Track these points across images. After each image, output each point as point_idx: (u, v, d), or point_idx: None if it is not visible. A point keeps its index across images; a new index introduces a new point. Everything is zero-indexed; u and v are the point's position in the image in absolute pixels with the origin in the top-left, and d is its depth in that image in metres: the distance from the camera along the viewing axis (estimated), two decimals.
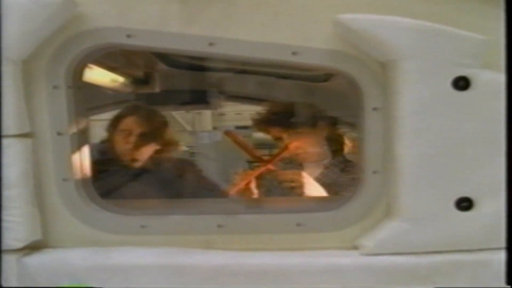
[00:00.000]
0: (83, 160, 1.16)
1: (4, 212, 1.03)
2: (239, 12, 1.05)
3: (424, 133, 0.98)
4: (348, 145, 2.02)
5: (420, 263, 1.01)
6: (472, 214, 0.99)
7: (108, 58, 1.76)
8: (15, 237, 1.03)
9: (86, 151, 1.19)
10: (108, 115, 2.38)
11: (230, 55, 1.06)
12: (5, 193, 1.03)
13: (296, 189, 1.79)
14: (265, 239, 1.12)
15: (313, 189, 1.77)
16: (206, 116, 4.25)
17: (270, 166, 1.79)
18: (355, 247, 1.07)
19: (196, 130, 4.24)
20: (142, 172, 1.93)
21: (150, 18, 1.06)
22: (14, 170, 1.04)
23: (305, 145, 1.90)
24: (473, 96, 0.96)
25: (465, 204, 0.99)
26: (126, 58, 1.94)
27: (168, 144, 1.98)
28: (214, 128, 4.28)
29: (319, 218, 1.12)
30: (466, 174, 1.00)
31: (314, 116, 1.88)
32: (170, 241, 1.12)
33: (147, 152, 1.93)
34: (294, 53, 1.04)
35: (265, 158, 1.86)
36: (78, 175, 1.14)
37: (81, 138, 1.15)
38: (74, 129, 1.13)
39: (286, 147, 1.87)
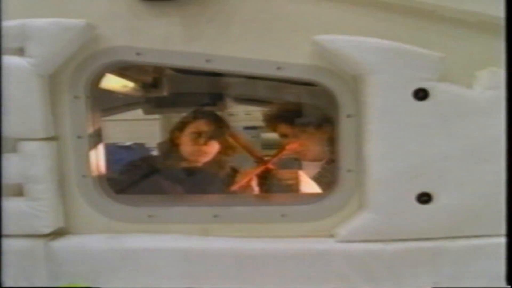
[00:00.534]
0: (99, 159, 1.24)
1: (34, 203, 1.13)
2: (231, 33, 1.12)
3: (389, 137, 1.07)
4: None
5: (386, 249, 1.10)
6: (431, 207, 1.07)
7: (121, 67, 1.87)
8: (43, 224, 1.13)
9: (101, 151, 1.26)
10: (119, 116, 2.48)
11: (224, 70, 1.13)
12: (35, 187, 1.12)
13: (292, 187, 1.80)
14: (254, 228, 1.19)
15: (309, 186, 1.78)
16: None
17: (269, 166, 1.85)
18: (332, 235, 1.15)
19: None
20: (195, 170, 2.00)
21: (156, 38, 1.12)
22: (42, 167, 1.13)
23: (304, 145, 1.92)
24: (431, 105, 1.04)
25: (425, 198, 1.07)
26: (137, 66, 2.03)
27: (229, 147, 2.03)
28: None
29: (301, 210, 1.19)
30: (426, 171, 1.07)
31: (320, 118, 1.91)
32: (173, 229, 1.20)
33: (211, 153, 1.99)
34: (278, 68, 1.11)
35: (266, 158, 1.90)
36: (95, 173, 1.21)
37: (96, 140, 1.22)
38: (91, 132, 1.20)
39: (283, 149, 1.92)
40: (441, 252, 1.10)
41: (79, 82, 1.16)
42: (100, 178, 1.24)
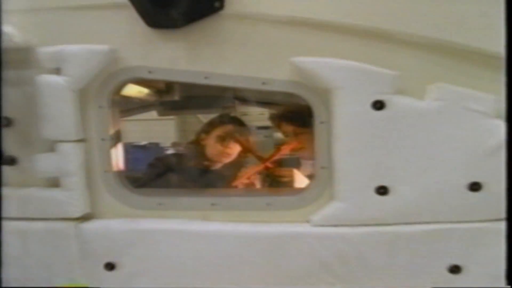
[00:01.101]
0: (118, 158, 1.39)
1: (67, 193, 1.30)
2: (225, 54, 1.24)
3: (352, 140, 1.22)
4: None
5: (351, 232, 1.26)
6: (388, 198, 1.23)
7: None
8: (75, 210, 1.31)
9: (120, 150, 1.39)
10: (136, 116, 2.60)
11: (220, 84, 1.28)
12: (68, 179, 1.30)
13: (288, 183, 1.99)
14: (245, 214, 1.32)
15: (302, 183, 1.95)
16: None
17: (268, 164, 2.01)
18: (308, 221, 1.29)
19: None
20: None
21: (164, 59, 1.26)
22: (73, 164, 1.29)
23: (300, 145, 2.04)
24: (387, 114, 1.18)
25: (382, 190, 1.22)
26: None
27: (248, 150, 2.18)
28: None
29: (283, 200, 1.33)
30: (383, 168, 1.22)
31: None
32: (179, 215, 1.35)
33: (234, 154, 2.16)
34: (263, 83, 1.25)
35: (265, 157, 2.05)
36: (115, 169, 1.36)
37: (116, 141, 1.37)
38: (111, 134, 1.33)
39: (279, 149, 2.06)
40: (399, 235, 1.25)
41: (103, 94, 1.31)
42: (119, 173, 1.39)
